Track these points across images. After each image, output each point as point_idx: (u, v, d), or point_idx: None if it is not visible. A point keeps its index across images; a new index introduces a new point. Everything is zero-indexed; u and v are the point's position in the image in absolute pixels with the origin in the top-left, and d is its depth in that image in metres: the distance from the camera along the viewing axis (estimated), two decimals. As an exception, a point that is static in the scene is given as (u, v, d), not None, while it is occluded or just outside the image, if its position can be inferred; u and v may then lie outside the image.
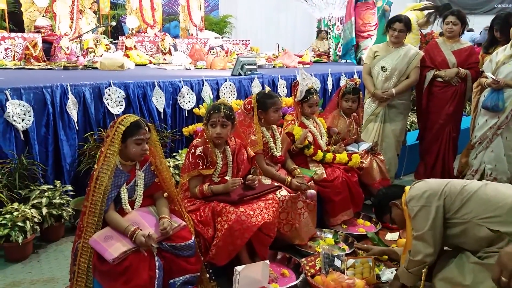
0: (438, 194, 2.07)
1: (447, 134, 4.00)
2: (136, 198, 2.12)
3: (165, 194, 2.21)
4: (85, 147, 3.20)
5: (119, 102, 3.48)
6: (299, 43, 10.42)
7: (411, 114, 5.08)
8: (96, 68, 4.84)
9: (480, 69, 3.83)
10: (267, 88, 2.96)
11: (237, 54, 6.57)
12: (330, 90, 5.13)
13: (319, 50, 8.41)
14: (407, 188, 2.25)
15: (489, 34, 4.20)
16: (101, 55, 5.47)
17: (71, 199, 2.96)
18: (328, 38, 9.03)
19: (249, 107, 2.81)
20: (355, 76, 5.22)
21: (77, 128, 3.23)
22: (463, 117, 4.20)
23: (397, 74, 3.83)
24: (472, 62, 3.85)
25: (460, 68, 3.81)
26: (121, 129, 2.00)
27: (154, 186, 2.18)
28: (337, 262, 2.42)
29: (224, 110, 2.43)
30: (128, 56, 5.83)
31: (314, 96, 3.10)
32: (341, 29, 9.62)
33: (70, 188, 3.00)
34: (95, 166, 2.04)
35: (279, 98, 2.86)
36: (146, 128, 2.06)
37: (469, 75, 3.83)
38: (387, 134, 3.97)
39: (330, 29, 9.77)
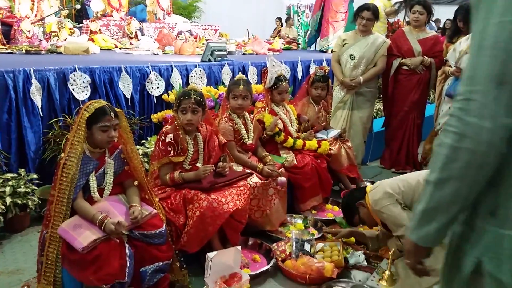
0: (395, 193, 2.20)
1: (411, 121, 4.12)
2: (105, 186, 2.09)
3: (136, 182, 2.18)
4: (50, 134, 3.10)
5: (84, 87, 3.38)
6: (269, 30, 10.40)
7: (377, 102, 5.20)
8: (60, 52, 4.65)
9: (444, 58, 3.95)
10: (238, 75, 2.95)
11: (206, 40, 6.48)
12: (300, 78, 5.16)
13: (288, 37, 8.42)
14: (368, 188, 2.38)
15: (453, 24, 4.33)
16: (65, 39, 5.26)
17: (36, 188, 2.87)
18: (292, 25, 9.07)
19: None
20: (324, 63, 5.27)
21: (41, 115, 3.12)
22: (427, 105, 4.34)
23: (364, 62, 3.90)
24: (436, 51, 3.97)
25: (425, 56, 3.92)
26: (86, 115, 1.95)
27: (124, 174, 2.15)
28: (307, 247, 2.47)
29: (195, 96, 2.41)
30: (93, 40, 5.64)
31: (284, 83, 3.12)
32: (309, 16, 9.68)
33: (35, 176, 2.90)
34: (62, 154, 1.99)
35: (245, 86, 2.82)
36: (112, 114, 2.01)
37: (433, 64, 3.95)
38: (355, 121, 4.05)
39: (299, 16, 9.81)
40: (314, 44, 7.41)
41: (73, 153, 1.94)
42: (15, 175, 2.80)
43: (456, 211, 0.94)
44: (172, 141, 2.43)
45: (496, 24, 0.84)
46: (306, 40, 9.20)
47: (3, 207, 2.59)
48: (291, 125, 3.22)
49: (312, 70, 5.31)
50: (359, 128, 4.06)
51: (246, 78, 2.99)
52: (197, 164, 2.49)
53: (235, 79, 2.90)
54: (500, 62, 0.83)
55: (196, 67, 4.13)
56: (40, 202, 2.83)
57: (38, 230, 2.84)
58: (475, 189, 0.92)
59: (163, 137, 2.45)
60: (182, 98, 2.43)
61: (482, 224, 0.96)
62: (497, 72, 0.83)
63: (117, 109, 2.07)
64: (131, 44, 6.15)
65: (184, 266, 2.29)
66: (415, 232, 1.00)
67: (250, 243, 2.64)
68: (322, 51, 6.88)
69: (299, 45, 8.52)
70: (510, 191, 0.92)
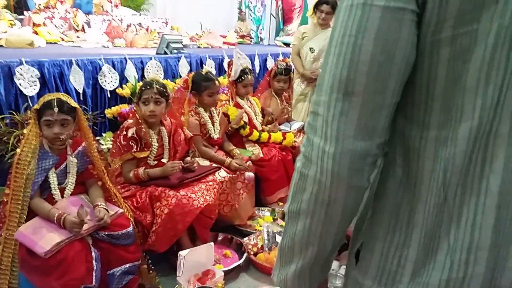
0: None
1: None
2: (66, 186, 1.93)
3: (99, 182, 2.04)
4: (-5, 133, 2.85)
5: (32, 82, 3.13)
6: (221, 24, 10.26)
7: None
8: (1, 45, 4.32)
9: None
10: (205, 69, 2.84)
11: (158, 33, 6.29)
12: (257, 71, 5.12)
13: (242, 32, 8.37)
14: None
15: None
16: (5, 32, 4.90)
17: (-18, 191, 2.63)
18: (245, 19, 9.02)
19: (185, 86, 2.70)
20: (280, 57, 5.27)
21: (-15, 112, 2.86)
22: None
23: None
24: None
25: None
26: (34, 108, 1.85)
27: (87, 173, 2.00)
28: (279, 239, 2.44)
29: (157, 87, 2.31)
30: (37, 33, 5.29)
31: (249, 76, 3.06)
32: (261, 11, 9.68)
33: (-19, 178, 2.66)
34: (17, 150, 1.84)
35: (216, 81, 2.74)
36: (56, 108, 1.83)
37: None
38: (316, 114, 4.06)
39: (251, 10, 9.77)
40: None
41: (27, 148, 1.80)
42: (-42, 177, 2.55)
43: (313, 254, 0.70)
44: (135, 136, 2.30)
45: (344, 8, 0.59)
46: (259, 35, 9.20)
47: None
48: (256, 118, 3.18)
49: (269, 63, 5.30)
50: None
51: (208, 69, 2.89)
52: (163, 160, 2.38)
53: (204, 73, 2.76)
54: (345, 64, 0.59)
55: (151, 59, 3.97)
56: (-13, 206, 2.60)
57: (-15, 236, 2.61)
58: (332, 230, 0.68)
59: (124, 132, 2.31)
60: (143, 88, 2.32)
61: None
62: (341, 78, 0.59)
63: (73, 104, 1.90)
64: (78, 37, 5.84)
65: (152, 268, 2.19)
66: (275, 272, 0.78)
67: (220, 238, 2.57)
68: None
69: (252, 39, 8.50)
70: (375, 230, 0.70)
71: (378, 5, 0.56)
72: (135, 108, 2.38)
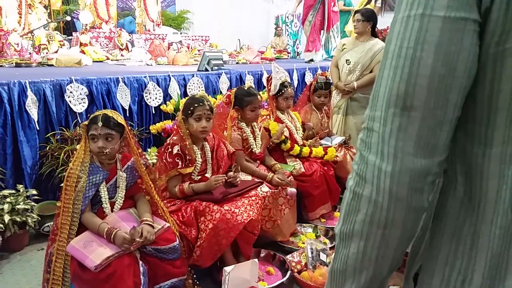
0: None
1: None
2: (116, 200, 1.99)
3: (147, 197, 2.09)
4: (47, 148, 2.99)
5: (81, 99, 3.27)
6: (257, 40, 10.39)
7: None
8: (52, 65, 4.55)
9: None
10: (247, 84, 2.88)
11: (198, 50, 6.44)
12: (295, 86, 5.13)
13: (279, 47, 8.43)
14: None
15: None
16: (56, 52, 5.16)
17: (35, 204, 2.74)
18: (281, 35, 9.07)
19: (228, 101, 2.73)
20: (319, 71, 5.25)
21: (38, 128, 3.00)
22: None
23: (360, 68, 3.86)
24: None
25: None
26: (84, 124, 1.94)
27: (136, 187, 2.05)
28: (323, 256, 2.40)
29: (208, 103, 2.36)
30: (84, 53, 5.54)
31: (289, 89, 3.06)
32: (298, 26, 9.72)
33: (34, 192, 2.78)
34: (70, 164, 1.93)
35: (259, 96, 2.77)
36: (100, 123, 1.88)
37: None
38: (350, 127, 4.00)
39: (287, 25, 9.84)
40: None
41: (77, 162, 1.88)
42: (13, 191, 2.67)
43: (367, 279, 0.65)
44: (180, 152, 2.34)
45: (400, 20, 0.57)
46: (296, 49, 9.23)
47: (1, 225, 2.46)
48: (297, 132, 3.16)
49: (307, 77, 5.30)
50: (354, 134, 4.00)
51: (251, 84, 2.93)
52: (206, 175, 2.41)
53: (247, 88, 2.79)
54: (403, 77, 0.56)
55: (193, 76, 4.06)
56: (39, 218, 2.71)
57: (37, 248, 2.71)
58: (388, 254, 0.63)
59: (170, 149, 2.35)
60: (196, 105, 2.34)
61: None
62: (399, 92, 0.56)
63: (120, 120, 1.97)
64: (122, 55, 6.07)
65: (197, 283, 2.20)
66: None
67: (262, 255, 2.55)
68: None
69: (289, 54, 8.53)
70: (434, 253, 0.67)
71: (438, 16, 0.54)
72: (178, 125, 2.42)
